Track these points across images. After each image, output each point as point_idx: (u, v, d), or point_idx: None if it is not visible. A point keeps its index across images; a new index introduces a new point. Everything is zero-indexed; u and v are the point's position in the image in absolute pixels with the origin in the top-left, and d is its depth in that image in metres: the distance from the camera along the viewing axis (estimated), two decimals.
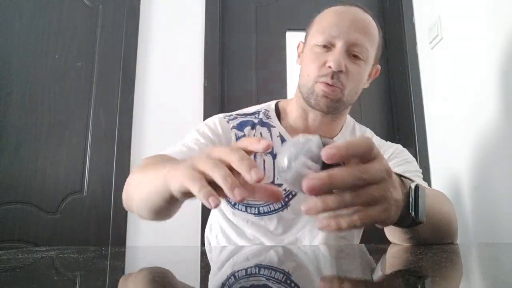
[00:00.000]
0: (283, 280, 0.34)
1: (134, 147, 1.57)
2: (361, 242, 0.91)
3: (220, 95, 1.65)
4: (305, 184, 0.35)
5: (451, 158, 1.36)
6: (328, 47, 0.77)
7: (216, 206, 0.39)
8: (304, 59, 0.83)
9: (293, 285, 0.32)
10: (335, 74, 0.75)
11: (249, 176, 0.38)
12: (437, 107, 1.50)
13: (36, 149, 1.57)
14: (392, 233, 0.58)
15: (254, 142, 0.42)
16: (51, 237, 1.49)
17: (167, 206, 0.53)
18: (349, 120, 0.94)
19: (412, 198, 0.45)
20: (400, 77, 1.69)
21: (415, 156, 1.55)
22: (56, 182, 1.55)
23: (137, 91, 1.63)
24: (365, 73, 0.81)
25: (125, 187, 0.66)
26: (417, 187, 0.46)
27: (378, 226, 0.41)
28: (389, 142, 0.93)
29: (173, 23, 1.71)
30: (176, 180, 0.45)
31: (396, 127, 1.67)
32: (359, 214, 0.37)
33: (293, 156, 0.38)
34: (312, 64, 0.78)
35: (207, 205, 0.39)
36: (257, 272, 0.38)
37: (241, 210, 0.84)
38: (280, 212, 0.82)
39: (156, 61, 1.67)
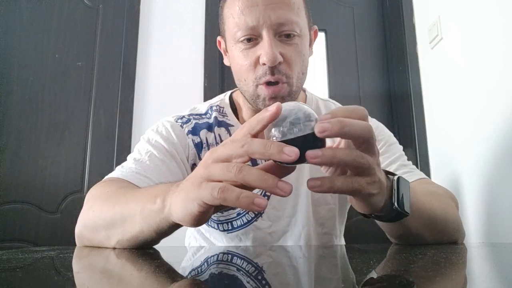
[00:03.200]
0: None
1: (134, 147, 1.57)
2: (361, 242, 0.91)
3: None
4: (319, 125, 0.35)
5: (451, 158, 1.36)
6: (253, 39, 0.65)
7: (265, 207, 0.35)
8: (232, 60, 0.71)
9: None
10: (274, 68, 0.64)
11: (287, 156, 0.34)
12: (437, 107, 1.51)
13: (36, 149, 1.57)
14: (385, 228, 0.57)
15: (260, 117, 0.37)
16: (51, 237, 1.50)
17: (160, 237, 0.50)
18: (310, 97, 0.81)
19: (394, 190, 0.45)
20: (400, 77, 1.69)
21: (415, 156, 1.56)
22: (56, 182, 1.55)
23: (137, 91, 1.64)
24: (305, 47, 0.69)
25: (81, 227, 0.58)
26: (399, 178, 0.46)
27: (362, 202, 0.43)
28: None
29: (173, 23, 1.71)
30: (188, 204, 0.40)
31: (396, 127, 1.67)
32: (348, 179, 0.39)
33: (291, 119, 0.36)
34: (244, 66, 0.67)
35: (254, 210, 0.35)
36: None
37: (213, 227, 0.76)
38: (255, 222, 0.74)
39: (156, 61, 1.67)
